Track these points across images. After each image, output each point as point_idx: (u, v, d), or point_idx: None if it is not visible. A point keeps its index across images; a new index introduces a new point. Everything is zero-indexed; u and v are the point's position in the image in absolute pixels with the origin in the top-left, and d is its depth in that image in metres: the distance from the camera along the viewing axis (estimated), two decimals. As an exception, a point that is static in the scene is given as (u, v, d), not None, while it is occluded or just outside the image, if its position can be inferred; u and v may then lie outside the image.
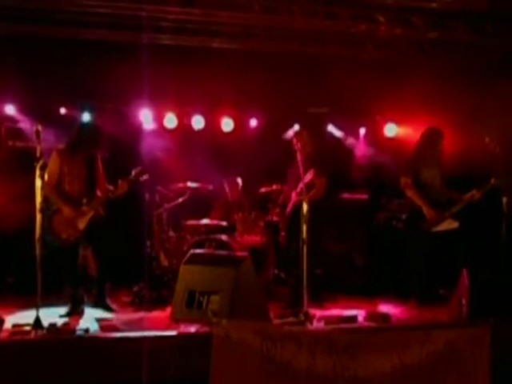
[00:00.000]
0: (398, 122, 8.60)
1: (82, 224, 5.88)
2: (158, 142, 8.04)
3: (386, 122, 8.65)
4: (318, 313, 5.72)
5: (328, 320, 5.43)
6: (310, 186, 6.14)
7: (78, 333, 4.84)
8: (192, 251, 5.74)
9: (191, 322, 5.06)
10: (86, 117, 7.84)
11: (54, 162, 5.89)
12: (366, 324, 5.47)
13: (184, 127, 8.31)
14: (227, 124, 8.43)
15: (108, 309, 6.02)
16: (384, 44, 7.62)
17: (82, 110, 7.90)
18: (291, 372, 4.14)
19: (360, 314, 5.68)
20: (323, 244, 7.03)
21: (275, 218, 7.38)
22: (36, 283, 4.86)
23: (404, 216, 6.80)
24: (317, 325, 5.33)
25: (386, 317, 5.63)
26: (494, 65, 7.52)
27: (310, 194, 6.10)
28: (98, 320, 5.48)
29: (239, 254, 6.02)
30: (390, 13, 6.89)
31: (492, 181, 6.26)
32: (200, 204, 7.79)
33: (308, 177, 6.13)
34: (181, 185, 7.44)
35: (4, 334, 4.70)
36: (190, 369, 4.40)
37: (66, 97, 7.79)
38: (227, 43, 7.50)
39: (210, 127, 8.38)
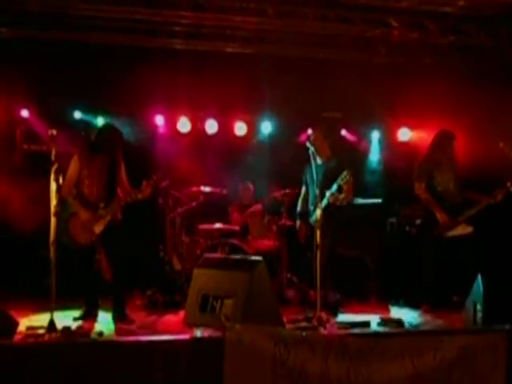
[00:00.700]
0: (412, 127, 8.57)
1: (98, 228, 5.73)
2: (171, 146, 8.08)
3: (399, 126, 8.62)
4: (331, 318, 5.69)
5: (341, 325, 5.42)
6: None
7: (92, 336, 4.88)
8: (205, 255, 5.74)
9: (204, 326, 5.05)
10: (101, 121, 7.92)
11: (74, 165, 5.75)
12: (379, 329, 5.44)
13: (197, 131, 8.35)
14: (240, 128, 8.45)
15: (126, 320, 5.70)
16: (397, 48, 7.62)
17: (96, 114, 7.97)
18: (304, 377, 4.13)
19: (373, 319, 5.65)
20: (336, 249, 7.00)
21: (288, 223, 7.36)
22: (50, 286, 4.87)
23: (417, 221, 6.77)
24: (330, 330, 5.30)
25: (399, 322, 5.60)
26: (508, 69, 7.48)
27: (341, 197, 6.02)
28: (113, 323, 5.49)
29: (253, 258, 6.01)
30: (404, 17, 6.88)
31: (508, 185, 6.22)
32: (213, 208, 7.79)
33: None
34: (194, 189, 7.46)
35: (18, 337, 4.70)
36: (202, 373, 4.38)
37: (81, 101, 7.87)
38: (240, 48, 7.54)
39: (223, 131, 8.41)
